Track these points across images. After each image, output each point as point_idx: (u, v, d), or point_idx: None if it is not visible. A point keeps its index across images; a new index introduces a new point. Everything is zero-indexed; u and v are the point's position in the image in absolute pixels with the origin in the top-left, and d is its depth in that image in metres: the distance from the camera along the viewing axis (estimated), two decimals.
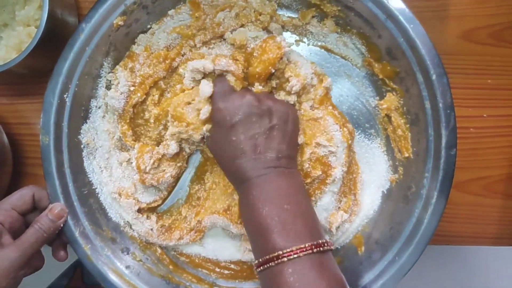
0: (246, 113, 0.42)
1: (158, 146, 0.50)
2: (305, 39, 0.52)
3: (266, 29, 0.50)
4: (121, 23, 0.47)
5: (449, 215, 0.53)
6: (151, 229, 0.51)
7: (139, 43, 0.50)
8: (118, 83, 0.49)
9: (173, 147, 0.48)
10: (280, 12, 0.51)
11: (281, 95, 0.47)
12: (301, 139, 0.46)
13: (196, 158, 0.53)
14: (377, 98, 0.51)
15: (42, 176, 0.46)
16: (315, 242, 0.38)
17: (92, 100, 0.50)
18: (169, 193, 0.53)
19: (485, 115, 0.53)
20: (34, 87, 0.56)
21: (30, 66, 0.51)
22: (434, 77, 0.43)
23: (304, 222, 0.39)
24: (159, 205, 0.53)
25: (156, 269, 0.51)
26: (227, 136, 0.43)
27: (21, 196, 0.45)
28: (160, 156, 0.49)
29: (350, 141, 0.48)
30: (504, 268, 1.16)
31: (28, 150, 0.57)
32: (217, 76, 0.45)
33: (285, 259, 0.37)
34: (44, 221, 0.44)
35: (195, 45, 0.50)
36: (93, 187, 0.50)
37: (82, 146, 0.49)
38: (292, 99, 0.47)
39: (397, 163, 0.49)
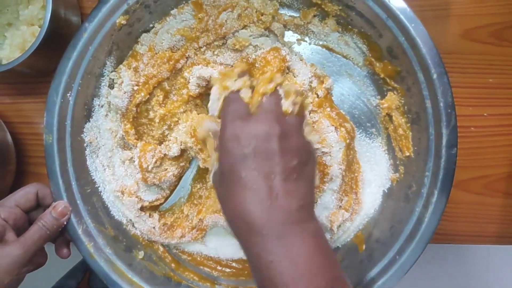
0: (262, 145, 0.33)
1: (160, 145, 0.50)
2: (306, 38, 0.52)
3: (268, 29, 0.50)
4: (123, 22, 0.47)
5: (450, 214, 0.53)
6: (154, 227, 0.51)
7: (142, 43, 0.50)
8: (122, 82, 0.49)
9: (174, 150, 0.49)
10: (281, 11, 0.51)
11: None
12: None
13: None
14: (378, 97, 0.51)
15: (45, 175, 0.46)
16: None
17: (95, 99, 0.50)
18: (172, 191, 0.54)
19: (485, 114, 0.53)
20: (37, 86, 0.57)
21: (34, 65, 0.51)
22: (435, 76, 0.43)
23: None
24: (161, 204, 0.53)
25: (158, 267, 0.51)
26: (235, 171, 0.33)
27: (25, 194, 0.45)
28: (163, 155, 0.50)
29: (349, 140, 0.48)
30: (505, 267, 1.16)
31: (31, 149, 0.57)
32: (230, 92, 0.37)
33: None
34: (48, 219, 0.44)
35: (199, 47, 0.50)
36: (96, 185, 0.50)
37: (85, 144, 0.49)
38: None
39: (398, 162, 0.49)
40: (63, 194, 0.47)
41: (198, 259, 0.53)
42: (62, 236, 0.48)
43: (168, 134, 0.51)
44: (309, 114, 0.49)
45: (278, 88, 0.36)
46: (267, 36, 0.50)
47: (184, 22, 0.50)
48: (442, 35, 0.52)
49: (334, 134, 0.47)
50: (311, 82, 0.49)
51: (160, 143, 0.51)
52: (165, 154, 0.49)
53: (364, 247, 0.49)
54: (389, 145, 0.51)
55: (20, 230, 0.44)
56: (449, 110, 0.43)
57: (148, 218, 0.51)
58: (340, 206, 0.50)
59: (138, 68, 0.50)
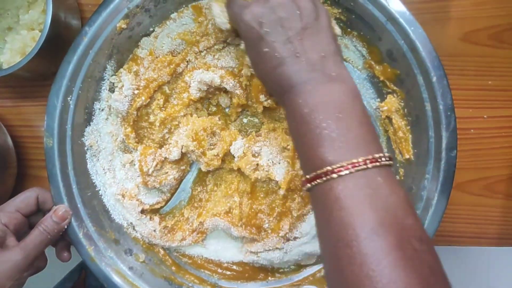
0: (272, 20, 0.37)
1: (160, 148, 0.50)
2: None
3: None
4: (124, 26, 0.47)
5: (450, 216, 0.53)
6: (154, 230, 0.51)
7: (143, 47, 0.50)
8: (122, 86, 0.49)
9: (175, 154, 0.49)
10: None
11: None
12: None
13: None
14: (378, 100, 0.51)
15: (46, 178, 0.46)
16: (370, 157, 0.32)
17: (95, 102, 0.50)
18: (172, 195, 0.54)
19: (485, 116, 0.53)
20: (38, 90, 0.57)
21: (34, 69, 0.51)
22: (434, 79, 0.43)
23: (359, 133, 0.34)
24: (162, 207, 0.53)
25: (159, 270, 0.51)
26: (259, 49, 0.38)
27: (25, 198, 0.45)
28: (163, 159, 0.50)
29: None
30: (505, 269, 1.16)
31: (32, 152, 0.57)
32: None
33: (335, 175, 0.32)
34: (48, 223, 0.44)
35: (200, 51, 0.50)
36: (97, 189, 0.50)
37: (85, 148, 0.49)
38: None
39: (398, 165, 0.50)
40: (64, 197, 0.47)
41: (199, 262, 0.53)
42: (63, 239, 0.48)
43: (168, 137, 0.51)
44: None
45: None
46: None
47: (184, 26, 0.50)
48: (442, 38, 0.53)
49: None
50: None
51: (161, 146, 0.51)
52: (165, 158, 0.50)
53: None
54: (389, 147, 0.51)
55: (20, 235, 0.44)
56: (449, 113, 0.43)
57: (149, 221, 0.51)
58: None
59: (139, 72, 0.50)
